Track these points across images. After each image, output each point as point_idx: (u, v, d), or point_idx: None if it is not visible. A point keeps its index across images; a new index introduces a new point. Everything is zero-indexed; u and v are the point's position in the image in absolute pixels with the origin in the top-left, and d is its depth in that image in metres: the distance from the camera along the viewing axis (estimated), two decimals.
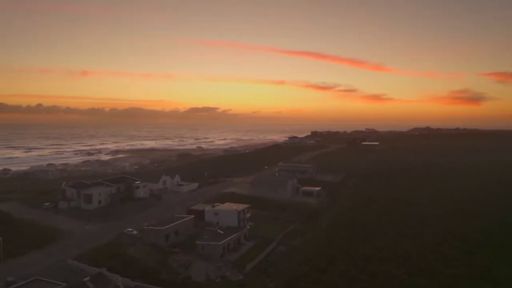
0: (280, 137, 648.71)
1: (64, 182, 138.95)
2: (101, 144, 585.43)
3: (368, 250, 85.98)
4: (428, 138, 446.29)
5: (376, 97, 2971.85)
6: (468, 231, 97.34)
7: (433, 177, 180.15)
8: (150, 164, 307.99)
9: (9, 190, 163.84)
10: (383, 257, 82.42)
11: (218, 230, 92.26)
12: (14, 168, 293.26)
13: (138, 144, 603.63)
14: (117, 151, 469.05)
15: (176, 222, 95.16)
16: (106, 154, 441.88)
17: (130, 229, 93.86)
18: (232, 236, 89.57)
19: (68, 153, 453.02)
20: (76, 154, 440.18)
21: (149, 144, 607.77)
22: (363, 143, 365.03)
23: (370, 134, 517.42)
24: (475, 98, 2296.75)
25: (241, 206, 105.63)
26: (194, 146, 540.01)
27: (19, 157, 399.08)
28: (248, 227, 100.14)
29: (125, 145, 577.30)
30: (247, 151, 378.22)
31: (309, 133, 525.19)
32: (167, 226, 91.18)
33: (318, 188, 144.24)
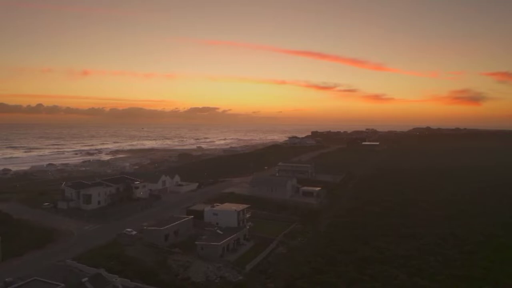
0: (280, 137, 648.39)
1: (64, 182, 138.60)
2: (101, 144, 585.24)
3: (368, 251, 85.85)
4: (429, 138, 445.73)
5: (377, 97, 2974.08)
6: (468, 232, 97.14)
7: (433, 178, 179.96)
8: (150, 164, 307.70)
9: (8, 190, 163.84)
10: (383, 257, 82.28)
11: (218, 231, 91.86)
12: (14, 168, 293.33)
13: (139, 144, 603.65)
14: (117, 151, 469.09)
15: (176, 223, 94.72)
16: (106, 154, 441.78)
17: (129, 230, 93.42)
18: (232, 236, 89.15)
19: (68, 153, 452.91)
20: (76, 154, 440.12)
21: (149, 144, 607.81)
22: (363, 143, 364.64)
23: (371, 134, 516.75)
24: (476, 98, 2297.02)
25: (240, 206, 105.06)
26: (194, 146, 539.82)
27: (19, 157, 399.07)
28: (247, 227, 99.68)
29: (125, 145, 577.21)
30: (247, 151, 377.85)
31: (310, 133, 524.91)
32: (166, 227, 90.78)
33: (318, 188, 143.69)
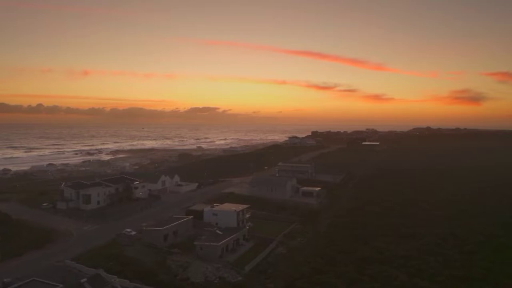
0: (280, 137, 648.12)
1: (63, 183, 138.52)
2: (101, 144, 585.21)
3: (368, 251, 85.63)
4: (429, 138, 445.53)
5: (377, 97, 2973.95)
6: (468, 232, 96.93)
7: (433, 178, 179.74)
8: (150, 164, 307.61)
9: (8, 190, 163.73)
10: (383, 258, 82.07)
11: (217, 231, 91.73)
12: (14, 168, 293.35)
13: (139, 144, 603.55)
14: (117, 151, 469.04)
15: (175, 223, 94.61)
16: (107, 154, 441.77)
17: (128, 230, 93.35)
18: (231, 236, 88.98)
19: (68, 153, 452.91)
20: (76, 154, 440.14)
21: (149, 144, 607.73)
22: (364, 143, 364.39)
23: (371, 134, 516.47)
24: (476, 98, 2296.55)
25: (240, 207, 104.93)
26: (194, 146, 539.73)
27: (19, 157, 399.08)
28: (247, 227, 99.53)
29: (125, 145, 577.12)
30: (247, 151, 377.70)
31: (310, 133, 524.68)
32: (166, 227, 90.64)
33: (318, 189, 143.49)
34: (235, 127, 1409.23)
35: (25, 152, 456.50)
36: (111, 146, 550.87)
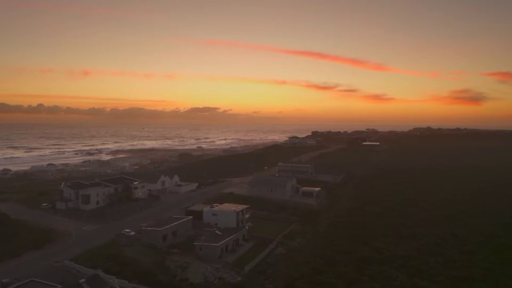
0: (281, 137, 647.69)
1: (63, 183, 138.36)
2: (102, 144, 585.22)
3: (368, 251, 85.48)
4: (429, 138, 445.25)
5: (377, 97, 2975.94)
6: (468, 232, 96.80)
7: (433, 178, 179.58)
8: (150, 164, 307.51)
9: (8, 190, 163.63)
10: (383, 258, 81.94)
11: (216, 231, 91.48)
12: (14, 168, 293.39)
13: (139, 144, 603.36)
14: (117, 151, 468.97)
15: (174, 223, 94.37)
16: (107, 154, 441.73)
17: (127, 230, 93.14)
18: (231, 237, 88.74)
19: (68, 153, 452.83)
20: (76, 154, 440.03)
21: (149, 144, 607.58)
22: (364, 143, 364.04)
23: (371, 134, 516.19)
24: (476, 98, 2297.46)
25: (240, 207, 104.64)
26: (195, 146, 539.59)
27: (19, 157, 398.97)
28: (246, 227, 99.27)
29: (125, 145, 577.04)
30: (247, 151, 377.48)
31: (310, 133, 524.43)
32: (165, 227, 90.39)
33: (317, 189, 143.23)
34: (235, 127, 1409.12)
35: (25, 152, 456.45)
36: (111, 146, 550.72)
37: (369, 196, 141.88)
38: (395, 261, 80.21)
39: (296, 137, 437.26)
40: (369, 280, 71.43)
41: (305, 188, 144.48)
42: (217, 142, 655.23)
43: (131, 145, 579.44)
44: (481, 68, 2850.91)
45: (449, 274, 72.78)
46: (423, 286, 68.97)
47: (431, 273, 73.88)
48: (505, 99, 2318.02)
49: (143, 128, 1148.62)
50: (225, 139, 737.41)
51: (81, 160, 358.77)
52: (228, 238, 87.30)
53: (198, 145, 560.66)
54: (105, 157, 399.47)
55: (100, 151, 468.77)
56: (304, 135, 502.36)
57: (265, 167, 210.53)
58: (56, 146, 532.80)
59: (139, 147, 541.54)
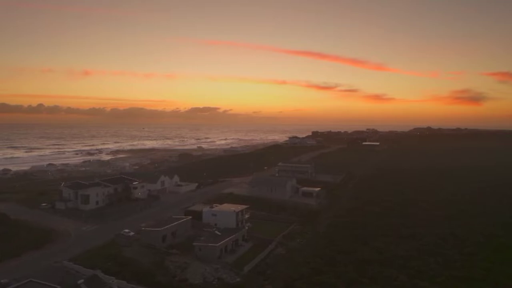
0: (281, 137, 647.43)
1: (63, 183, 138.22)
2: (102, 144, 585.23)
3: (368, 252, 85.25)
4: (429, 139, 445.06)
5: (377, 97, 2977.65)
6: (468, 232, 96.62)
7: (433, 178, 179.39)
8: (150, 164, 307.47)
9: (8, 190, 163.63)
10: (383, 258, 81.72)
11: (216, 231, 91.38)
12: (14, 168, 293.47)
13: (139, 144, 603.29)
14: (117, 151, 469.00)
15: (173, 223, 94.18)
16: (107, 154, 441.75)
17: (127, 230, 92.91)
18: (230, 237, 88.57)
19: (69, 153, 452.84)
20: (76, 154, 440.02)
21: (150, 144, 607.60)
22: (364, 143, 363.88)
23: (371, 134, 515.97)
24: (476, 98, 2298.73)
25: (239, 207, 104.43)
26: (195, 146, 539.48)
27: (20, 157, 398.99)
28: (246, 228, 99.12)
29: (126, 145, 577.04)
30: (247, 151, 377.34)
31: (310, 133, 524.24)
32: (164, 227, 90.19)
33: (317, 189, 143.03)
34: (236, 127, 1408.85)
35: (26, 152, 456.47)
36: (112, 146, 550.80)
37: (369, 196, 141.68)
38: (395, 261, 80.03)
39: (296, 137, 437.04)
40: (369, 281, 71.24)
41: (305, 188, 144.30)
42: (217, 142, 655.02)
43: (131, 145, 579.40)
44: (481, 68, 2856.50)
45: (449, 274, 72.62)
46: (423, 286, 68.78)
47: (431, 274, 73.70)
48: (505, 99, 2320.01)
49: (143, 128, 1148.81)
50: (225, 139, 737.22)
51: (81, 160, 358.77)
52: (227, 239, 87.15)
53: (198, 145, 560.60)
54: (105, 157, 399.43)
55: (100, 151, 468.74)
56: (304, 135, 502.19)
57: (265, 167, 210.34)
58: (56, 146, 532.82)
59: (139, 147, 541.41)
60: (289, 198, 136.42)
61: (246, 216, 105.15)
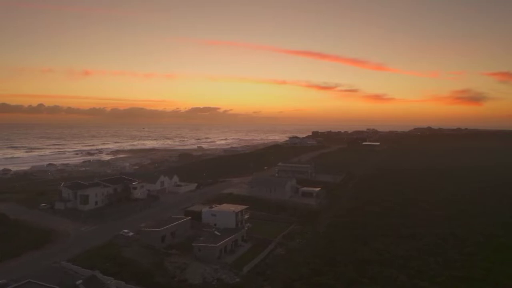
0: (281, 137, 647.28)
1: (62, 183, 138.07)
2: (102, 144, 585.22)
3: (368, 252, 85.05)
4: (429, 139, 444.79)
5: (378, 97, 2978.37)
6: (468, 232, 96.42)
7: (433, 178, 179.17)
8: (150, 164, 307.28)
9: (8, 190, 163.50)
10: (383, 259, 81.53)
11: (215, 232, 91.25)
12: (14, 168, 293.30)
13: (139, 144, 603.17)
14: (118, 151, 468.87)
15: (173, 224, 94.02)
16: (107, 154, 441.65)
17: (126, 231, 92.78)
18: (230, 237, 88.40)
19: (69, 153, 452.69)
20: (77, 154, 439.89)
21: (150, 144, 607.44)
22: (364, 143, 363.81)
23: (371, 134, 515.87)
24: (477, 98, 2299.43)
25: (239, 207, 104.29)
26: (195, 146, 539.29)
27: (20, 157, 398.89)
28: (246, 228, 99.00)
29: (126, 145, 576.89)
30: (247, 151, 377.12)
31: (310, 133, 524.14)
32: (163, 228, 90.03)
33: (317, 189, 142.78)
34: (236, 127, 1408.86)
35: (26, 152, 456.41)
36: (112, 146, 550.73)
37: (369, 196, 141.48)
38: (395, 261, 79.83)
39: (296, 137, 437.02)
40: (369, 281, 71.03)
41: (305, 189, 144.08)
42: (218, 142, 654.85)
43: (131, 145, 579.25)
44: (482, 68, 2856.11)
45: (449, 275, 72.43)
46: (423, 286, 68.59)
47: (431, 274, 73.52)
48: (506, 99, 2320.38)
49: (143, 128, 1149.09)
50: (226, 139, 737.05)
51: (81, 160, 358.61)
52: (227, 239, 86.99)
53: (198, 145, 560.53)
54: (105, 157, 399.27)
55: (100, 151, 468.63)
56: (304, 135, 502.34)
57: (265, 167, 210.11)
58: (57, 146, 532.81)
59: (139, 147, 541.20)
60: (289, 198, 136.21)
61: (246, 216, 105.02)
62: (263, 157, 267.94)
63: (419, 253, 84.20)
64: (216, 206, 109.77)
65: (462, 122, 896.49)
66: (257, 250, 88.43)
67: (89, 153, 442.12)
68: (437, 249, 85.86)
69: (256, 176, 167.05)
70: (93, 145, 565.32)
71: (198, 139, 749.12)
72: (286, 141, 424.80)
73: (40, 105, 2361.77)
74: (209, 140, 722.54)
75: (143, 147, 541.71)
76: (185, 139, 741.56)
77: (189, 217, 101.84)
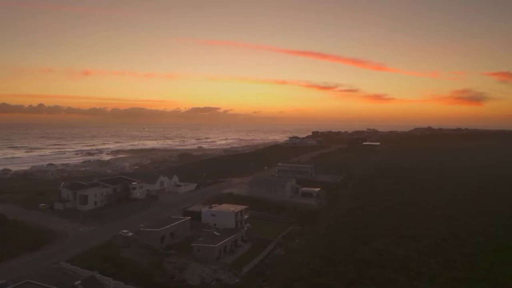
0: (281, 137, 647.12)
1: (62, 183, 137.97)
2: (102, 144, 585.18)
3: (368, 253, 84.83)
4: (429, 139, 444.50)
5: (378, 97, 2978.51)
6: (468, 232, 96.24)
7: (433, 178, 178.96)
8: (151, 164, 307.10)
9: (7, 191, 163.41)
10: (383, 259, 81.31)
11: (215, 232, 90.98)
12: (14, 168, 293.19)
13: (140, 144, 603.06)
14: (118, 151, 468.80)
15: (172, 224, 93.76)
16: (107, 154, 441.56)
17: (125, 231, 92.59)
18: (229, 238, 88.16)
19: (69, 153, 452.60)
20: (77, 154, 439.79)
21: (150, 144, 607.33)
22: (364, 143, 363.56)
23: (372, 134, 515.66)
24: (477, 98, 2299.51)
25: (238, 207, 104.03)
26: (195, 146, 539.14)
27: (20, 157, 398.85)
28: (245, 228, 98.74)
29: (126, 145, 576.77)
30: (247, 151, 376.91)
31: (310, 133, 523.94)
32: (163, 228, 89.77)
33: (317, 189, 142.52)
34: (236, 127, 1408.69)
35: (26, 152, 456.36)
36: (112, 146, 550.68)
37: (369, 196, 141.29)
38: (395, 262, 79.61)
39: (296, 137, 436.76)
40: (368, 282, 70.83)
41: (304, 189, 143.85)
42: (218, 142, 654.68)
43: (131, 145, 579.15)
44: (482, 68, 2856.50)
45: (449, 275, 72.22)
46: (423, 287, 68.38)
47: (431, 274, 73.31)
48: (506, 99, 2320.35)
49: (143, 128, 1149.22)
50: (226, 139, 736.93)
51: (82, 160, 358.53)
52: (226, 239, 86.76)
53: (198, 145, 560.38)
54: (106, 157, 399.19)
55: (100, 151, 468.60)
56: (304, 135, 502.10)
57: (265, 167, 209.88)
58: (57, 146, 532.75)
59: (139, 147, 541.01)
60: (288, 198, 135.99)
61: (246, 216, 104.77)
62: (263, 157, 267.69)
63: (419, 253, 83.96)
64: (215, 206, 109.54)
65: (462, 122, 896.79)
66: (257, 250, 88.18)
67: (89, 153, 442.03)
68: (437, 249, 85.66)
69: (256, 176, 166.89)
70: (93, 145, 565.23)
71: (198, 139, 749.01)
72: (286, 141, 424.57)
73: (40, 105, 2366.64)
74: (209, 140, 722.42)
75: (143, 147, 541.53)
76: (185, 139, 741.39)
77: (189, 217, 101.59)
